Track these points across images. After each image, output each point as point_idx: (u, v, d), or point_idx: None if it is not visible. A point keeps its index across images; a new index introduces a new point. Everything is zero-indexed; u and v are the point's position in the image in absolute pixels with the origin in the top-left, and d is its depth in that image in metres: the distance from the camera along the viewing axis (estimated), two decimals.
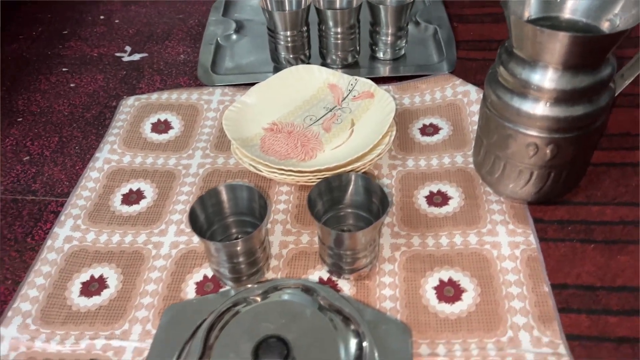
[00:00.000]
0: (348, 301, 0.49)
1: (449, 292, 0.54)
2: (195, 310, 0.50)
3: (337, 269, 0.55)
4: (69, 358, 0.52)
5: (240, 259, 0.52)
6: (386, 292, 0.55)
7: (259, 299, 0.49)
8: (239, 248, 0.51)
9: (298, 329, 0.45)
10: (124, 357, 0.51)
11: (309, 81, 0.73)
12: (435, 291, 0.54)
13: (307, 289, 0.50)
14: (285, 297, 0.49)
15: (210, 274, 0.57)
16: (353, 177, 0.55)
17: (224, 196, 0.55)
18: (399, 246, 0.59)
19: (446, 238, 0.59)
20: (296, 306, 0.48)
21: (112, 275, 0.58)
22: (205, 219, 0.55)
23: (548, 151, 0.53)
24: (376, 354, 0.46)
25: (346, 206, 0.57)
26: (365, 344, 0.46)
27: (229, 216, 0.57)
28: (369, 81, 0.71)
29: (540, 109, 0.51)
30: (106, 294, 0.57)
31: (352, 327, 0.47)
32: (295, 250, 0.59)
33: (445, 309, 0.53)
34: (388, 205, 0.52)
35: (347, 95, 0.72)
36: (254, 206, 0.56)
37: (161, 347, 0.49)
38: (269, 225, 0.62)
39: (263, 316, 0.47)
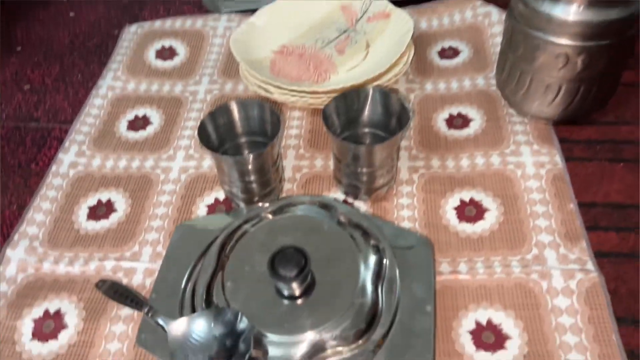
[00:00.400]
0: (367, 217, 0.47)
1: (471, 211, 0.52)
2: (206, 228, 0.48)
3: (353, 190, 0.53)
4: (78, 279, 0.50)
5: (252, 177, 0.50)
6: (404, 213, 0.52)
7: (273, 215, 0.47)
8: (250, 165, 0.49)
9: (316, 243, 0.43)
10: (135, 278, 0.50)
11: (320, 2, 0.69)
12: (455, 211, 0.52)
13: (324, 205, 0.48)
14: (301, 212, 0.47)
15: (221, 196, 0.55)
16: (371, 92, 0.52)
17: (235, 114, 0.53)
18: (417, 168, 0.56)
19: (467, 160, 0.56)
20: (313, 221, 0.46)
21: (119, 200, 0.57)
22: (217, 137, 0.52)
23: (579, 61, 0.50)
24: (397, 270, 0.44)
25: (363, 125, 0.54)
26: (385, 259, 0.44)
27: (240, 136, 0.54)
28: (384, 1, 0.67)
29: (572, 13, 0.48)
30: (114, 217, 0.55)
31: (372, 242, 0.45)
32: (309, 174, 0.57)
33: (467, 228, 0.51)
34: (409, 120, 0.49)
35: (361, 16, 0.68)
36: (266, 126, 0.53)
37: (172, 265, 0.47)
38: (281, 150, 0.59)
39: (278, 230, 0.45)
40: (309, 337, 0.39)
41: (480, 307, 0.45)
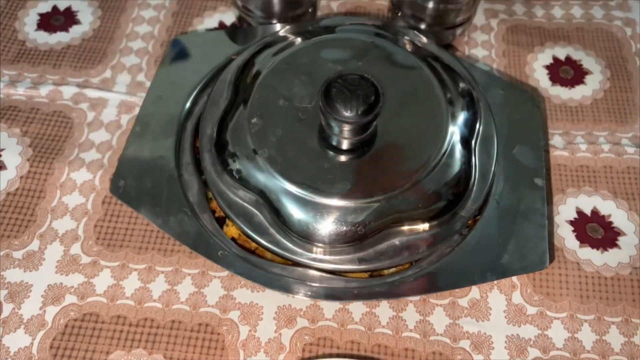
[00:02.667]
0: (449, 53, 0.33)
1: (567, 73, 0.39)
2: (217, 45, 0.34)
3: (415, 22, 0.38)
4: (24, 106, 0.35)
5: None
6: (479, 66, 0.39)
7: (306, 39, 0.33)
8: None
9: (382, 76, 0.29)
10: (106, 112, 0.35)
11: None
12: (547, 70, 0.39)
13: (388, 28, 0.33)
14: (358, 35, 0.33)
15: (229, 19, 0.40)
16: None
17: None
18: (496, 13, 0.42)
19: (561, 9, 0.43)
20: (377, 47, 0.32)
21: (84, 9, 0.41)
22: None
23: None
24: (494, 127, 0.31)
25: None
26: (480, 110, 0.31)
27: None
28: None
29: None
30: (77, 31, 0.39)
31: (462, 85, 0.31)
32: (350, 3, 0.42)
33: (562, 93, 0.38)
34: None
35: None
36: None
37: (165, 93, 0.32)
38: None
39: (326, 54, 0.31)
40: (368, 206, 0.27)
41: (581, 192, 0.34)
